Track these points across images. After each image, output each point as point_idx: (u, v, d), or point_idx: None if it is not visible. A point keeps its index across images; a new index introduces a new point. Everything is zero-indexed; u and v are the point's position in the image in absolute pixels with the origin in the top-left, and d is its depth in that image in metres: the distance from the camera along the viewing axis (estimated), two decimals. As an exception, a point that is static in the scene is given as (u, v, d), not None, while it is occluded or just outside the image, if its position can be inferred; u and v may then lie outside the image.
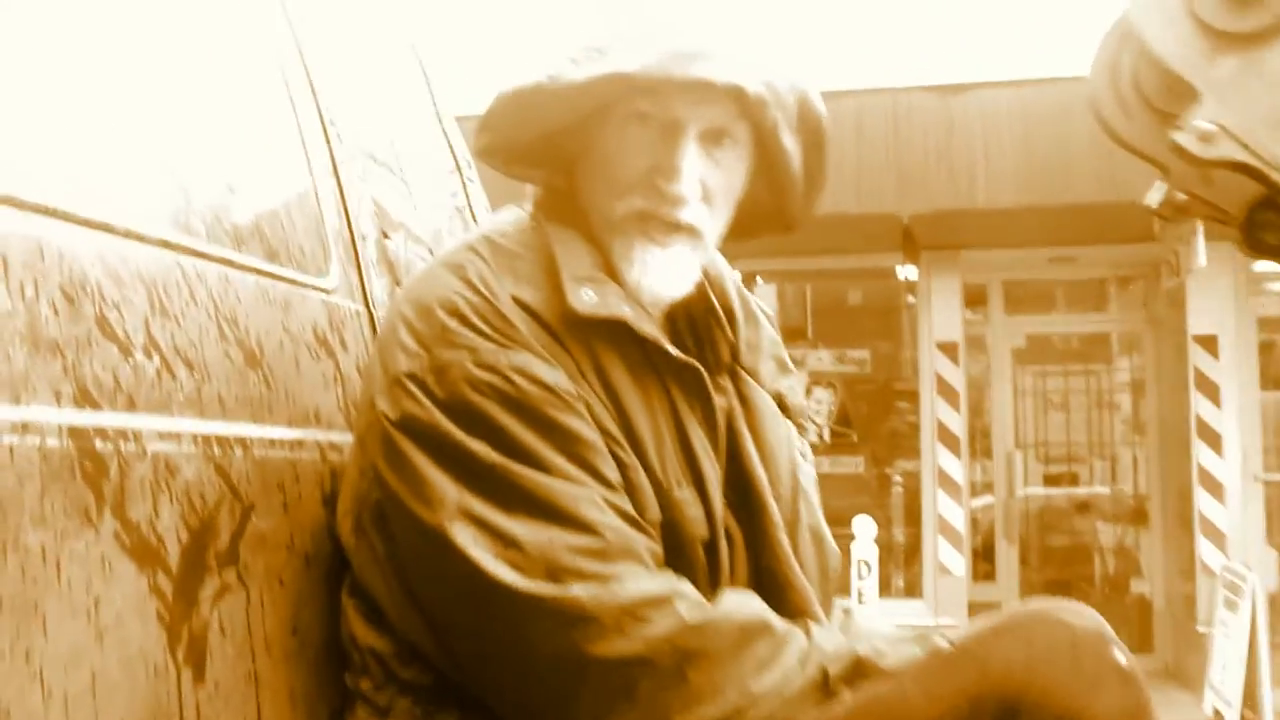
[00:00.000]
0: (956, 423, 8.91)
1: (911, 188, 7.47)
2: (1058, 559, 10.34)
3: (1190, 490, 8.45)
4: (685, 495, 1.37)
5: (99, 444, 1.02)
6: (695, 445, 1.40)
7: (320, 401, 1.46)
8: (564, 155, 1.47)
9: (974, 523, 9.31)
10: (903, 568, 9.40)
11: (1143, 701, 1.23)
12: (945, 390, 8.92)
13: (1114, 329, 10.37)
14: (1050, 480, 10.37)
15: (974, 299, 9.41)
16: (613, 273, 1.41)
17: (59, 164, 1.08)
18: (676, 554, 1.35)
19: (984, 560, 9.55)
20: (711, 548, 1.39)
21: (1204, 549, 8.32)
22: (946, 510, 8.86)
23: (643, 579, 1.27)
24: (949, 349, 8.94)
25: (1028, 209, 7.48)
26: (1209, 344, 8.41)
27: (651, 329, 1.38)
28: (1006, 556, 9.54)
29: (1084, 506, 10.35)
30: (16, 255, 0.97)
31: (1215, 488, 8.37)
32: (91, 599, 0.98)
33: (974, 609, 8.81)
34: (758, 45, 1.38)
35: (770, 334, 1.62)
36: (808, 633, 1.33)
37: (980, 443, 9.83)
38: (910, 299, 9.52)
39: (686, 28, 1.35)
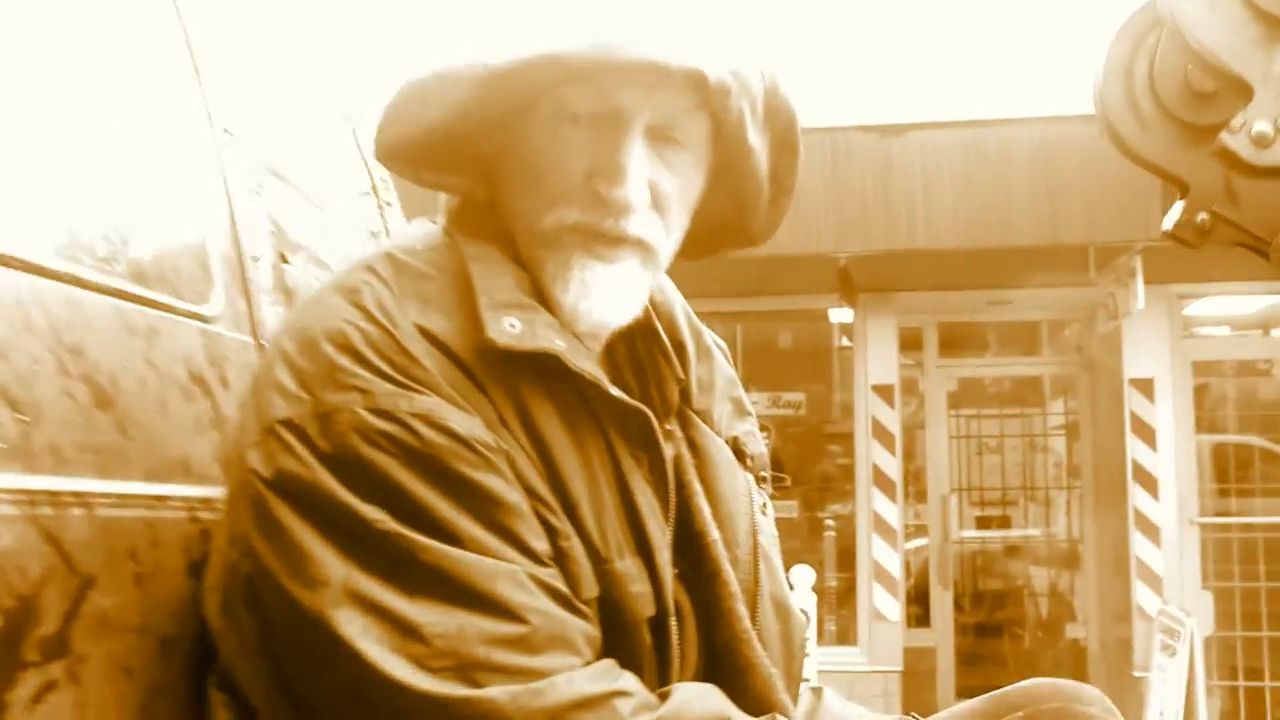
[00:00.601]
0: (892, 467, 8.79)
1: (849, 228, 7.34)
2: (991, 603, 10.25)
3: (1126, 534, 8.40)
4: (628, 567, 1.14)
5: (-126, 507, 0.78)
6: (641, 506, 1.17)
7: (191, 449, 1.23)
8: (483, 159, 1.23)
9: (906, 566, 9.18)
10: (835, 613, 9.23)
11: None
12: (881, 434, 8.80)
13: (1048, 372, 10.34)
14: (983, 523, 10.29)
15: (907, 342, 9.32)
16: (543, 298, 1.18)
17: None
18: (617, 636, 1.12)
19: (916, 604, 9.42)
20: (659, 626, 1.16)
21: (1140, 593, 8.28)
22: (882, 555, 8.72)
23: (576, 675, 1.03)
24: (885, 392, 8.82)
25: (967, 251, 7.39)
26: (1145, 387, 8.38)
27: (589, 366, 1.15)
28: (941, 602, 9.41)
29: (1017, 550, 10.28)
30: None
31: (1151, 531, 8.33)
32: None
33: (909, 656, 8.66)
34: (718, 31, 1.17)
35: (726, 371, 1.40)
36: None
37: (913, 486, 9.72)
38: (843, 341, 9.41)
39: (633, 11, 1.13)
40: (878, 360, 8.82)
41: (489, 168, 1.24)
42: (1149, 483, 8.35)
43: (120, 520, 1.07)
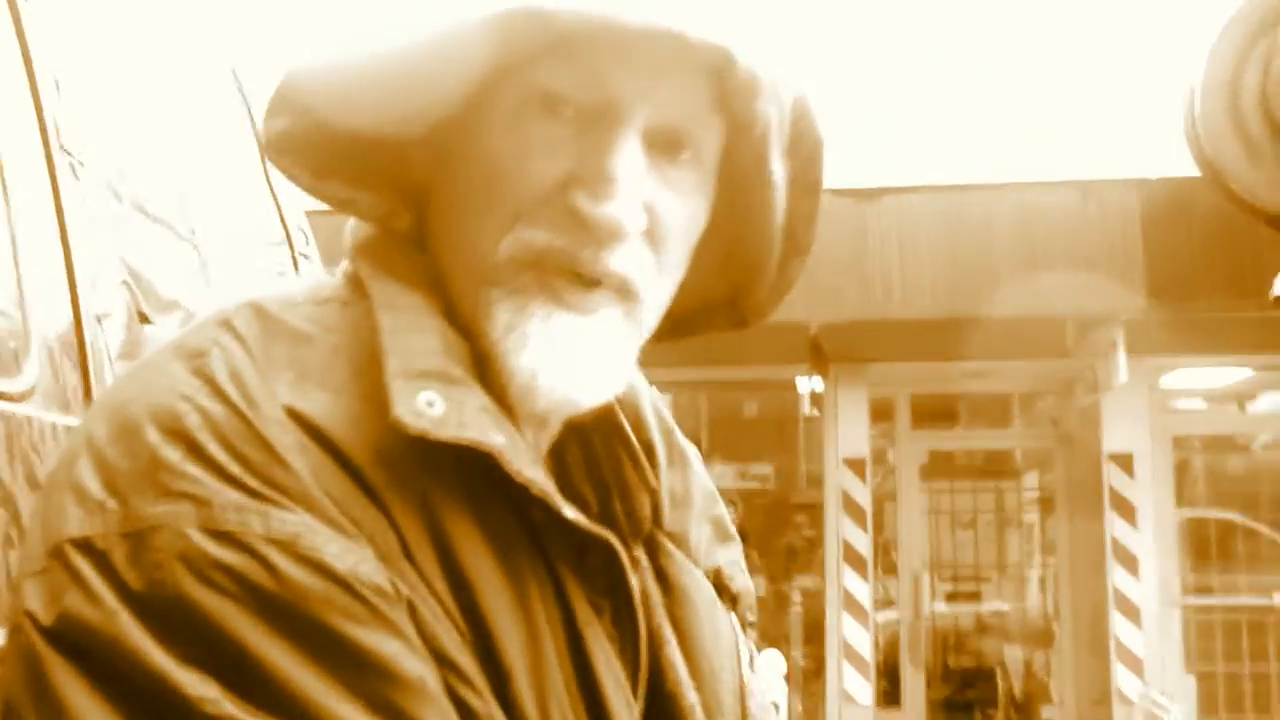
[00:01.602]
0: (863, 543, 8.49)
1: (821, 296, 7.07)
2: (962, 680, 9.96)
3: (1104, 613, 8.12)
4: None
5: None
6: (601, 674, 0.81)
7: (-33, 582, 0.88)
8: (412, 172, 0.89)
9: (875, 642, 8.87)
10: (801, 692, 8.89)
11: None
12: (852, 508, 8.50)
13: (1023, 445, 10.10)
14: (953, 598, 10.02)
15: (878, 412, 9.05)
16: (482, 368, 0.84)
17: None
18: None
19: (884, 678, 9.09)
20: None
21: (1120, 676, 8.00)
22: (852, 635, 8.40)
23: None
24: (856, 465, 8.53)
25: (943, 321, 7.15)
26: (1124, 462, 8.14)
27: (536, 474, 0.79)
28: (913, 681, 9.10)
29: (990, 627, 10.01)
30: None
31: (1132, 611, 8.07)
32: None
33: (879, 739, 8.32)
34: (741, 23, 0.83)
35: (704, 483, 1.04)
36: None
37: (882, 560, 9.44)
38: (808, 411, 9.13)
39: None
40: (849, 433, 8.54)
41: (418, 184, 0.89)
42: (1129, 561, 8.09)
43: None
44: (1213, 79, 1.62)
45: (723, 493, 1.08)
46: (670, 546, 0.95)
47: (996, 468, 10.24)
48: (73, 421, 1.06)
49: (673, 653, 0.90)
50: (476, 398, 0.79)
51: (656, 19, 0.77)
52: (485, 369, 0.83)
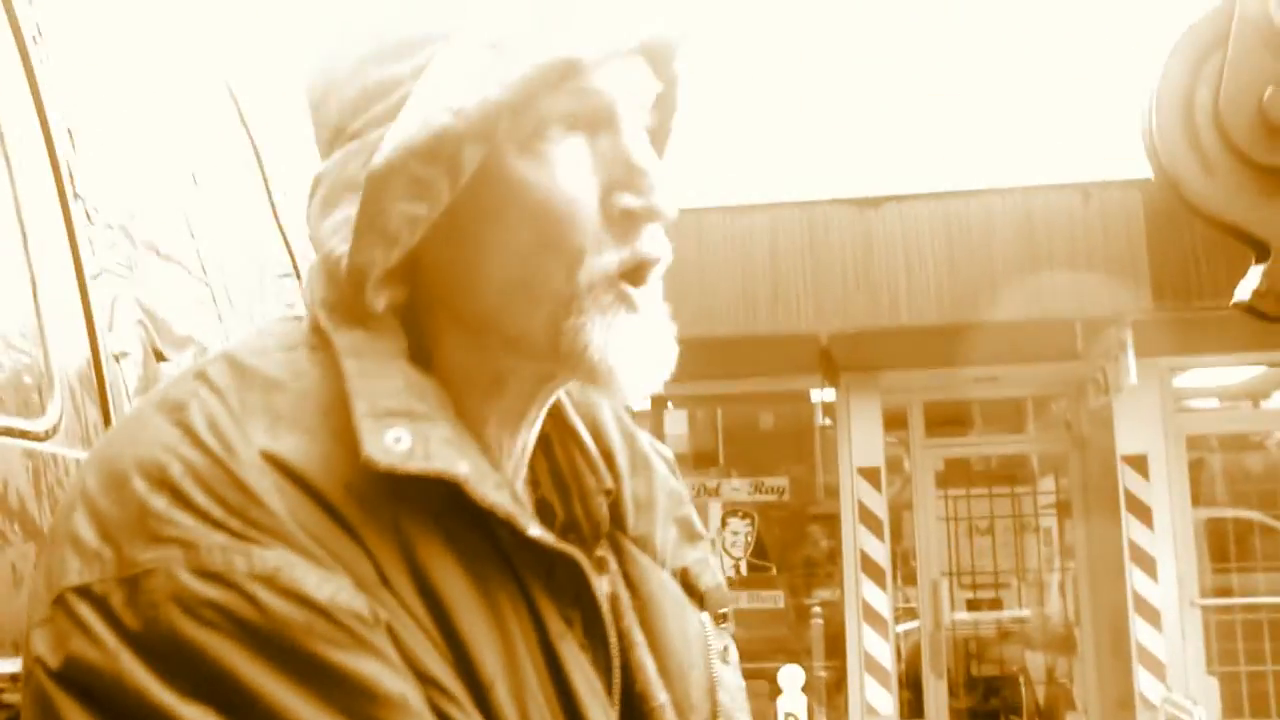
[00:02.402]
0: (880, 552, 8.49)
1: (830, 306, 7.11)
2: (985, 689, 9.92)
3: (1124, 617, 8.10)
4: None
5: None
6: (576, 683, 0.85)
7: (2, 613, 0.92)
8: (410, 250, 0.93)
9: (896, 651, 8.86)
10: (825, 705, 8.87)
11: None
12: (868, 518, 8.51)
13: (1038, 450, 10.09)
14: (974, 606, 9.99)
15: (892, 421, 9.07)
16: (463, 401, 0.89)
17: None
18: None
19: (907, 689, 9.08)
20: None
21: (1143, 680, 7.97)
22: (872, 646, 8.39)
23: None
24: (870, 475, 8.55)
25: (951, 327, 7.17)
26: (1139, 464, 8.14)
27: (501, 497, 0.84)
28: (935, 691, 9.07)
29: (1011, 634, 9.98)
30: None
31: (1151, 614, 8.05)
32: None
33: (905, 752, 8.31)
34: None
35: (669, 485, 1.07)
36: None
37: (901, 569, 9.43)
38: (823, 422, 9.15)
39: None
40: (862, 442, 8.56)
41: (411, 259, 0.91)
42: (1147, 563, 8.08)
43: None
44: (1166, 93, 1.64)
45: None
46: (635, 550, 0.99)
47: (1012, 473, 10.24)
48: (94, 457, 1.11)
49: (642, 654, 0.94)
50: (441, 429, 0.84)
51: (649, 33, 0.87)
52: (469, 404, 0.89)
